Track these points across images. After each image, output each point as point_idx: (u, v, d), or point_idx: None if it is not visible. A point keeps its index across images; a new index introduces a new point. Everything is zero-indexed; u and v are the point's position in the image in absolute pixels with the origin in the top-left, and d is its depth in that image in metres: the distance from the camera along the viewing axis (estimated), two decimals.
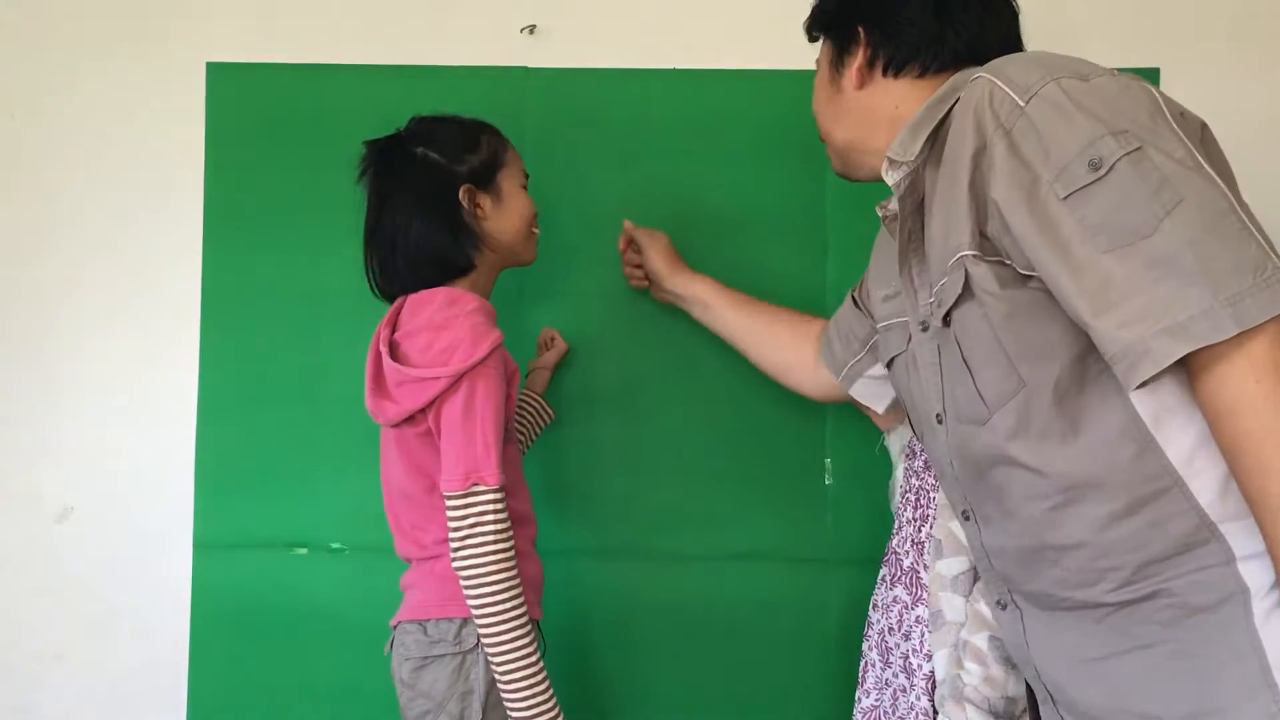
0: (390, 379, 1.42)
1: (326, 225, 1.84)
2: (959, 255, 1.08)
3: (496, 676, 1.36)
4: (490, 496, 1.34)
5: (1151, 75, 1.82)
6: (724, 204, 1.84)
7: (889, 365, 1.37)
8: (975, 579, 1.37)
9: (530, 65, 1.87)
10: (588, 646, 1.80)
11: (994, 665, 1.31)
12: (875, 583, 1.61)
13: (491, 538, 1.33)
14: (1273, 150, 1.84)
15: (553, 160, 1.85)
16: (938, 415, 1.20)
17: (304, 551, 1.82)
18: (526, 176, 1.60)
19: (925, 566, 1.44)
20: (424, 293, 1.48)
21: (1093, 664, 1.08)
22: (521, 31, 1.87)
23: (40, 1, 1.88)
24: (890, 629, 1.50)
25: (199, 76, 1.87)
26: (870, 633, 1.56)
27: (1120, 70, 1.12)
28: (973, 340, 1.10)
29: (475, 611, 1.35)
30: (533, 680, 1.35)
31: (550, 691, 1.37)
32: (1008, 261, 1.05)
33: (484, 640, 1.36)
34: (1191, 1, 1.85)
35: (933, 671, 1.40)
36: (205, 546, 1.83)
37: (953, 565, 1.39)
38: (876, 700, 1.52)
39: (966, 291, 1.08)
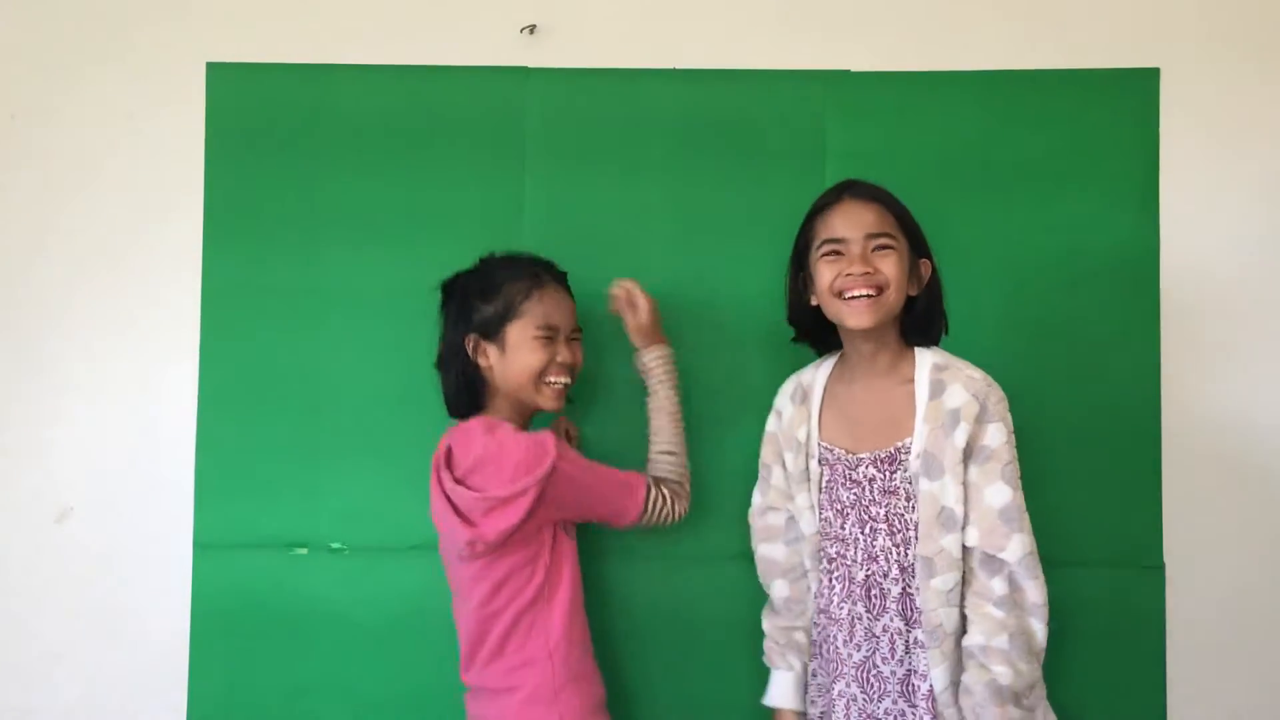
0: (476, 509, 1.50)
1: (326, 225, 1.85)
2: None
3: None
4: (652, 494, 1.62)
5: (1151, 75, 1.82)
6: (724, 204, 1.84)
7: None
8: (963, 591, 1.42)
9: (530, 65, 1.87)
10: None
11: (1020, 662, 1.38)
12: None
13: (668, 508, 1.64)
14: (1273, 149, 1.84)
15: (553, 160, 1.86)
16: None
17: (304, 551, 1.82)
18: (557, 327, 1.60)
19: (917, 590, 1.44)
20: (461, 428, 1.58)
21: None
22: (521, 31, 1.87)
23: (41, 3, 1.89)
24: (883, 658, 1.47)
25: (199, 76, 1.87)
26: (843, 670, 1.49)
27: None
28: None
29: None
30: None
31: None
32: None
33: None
34: (1191, 1, 1.85)
35: (932, 687, 1.41)
36: (205, 546, 1.83)
37: (947, 580, 1.41)
38: None
39: None
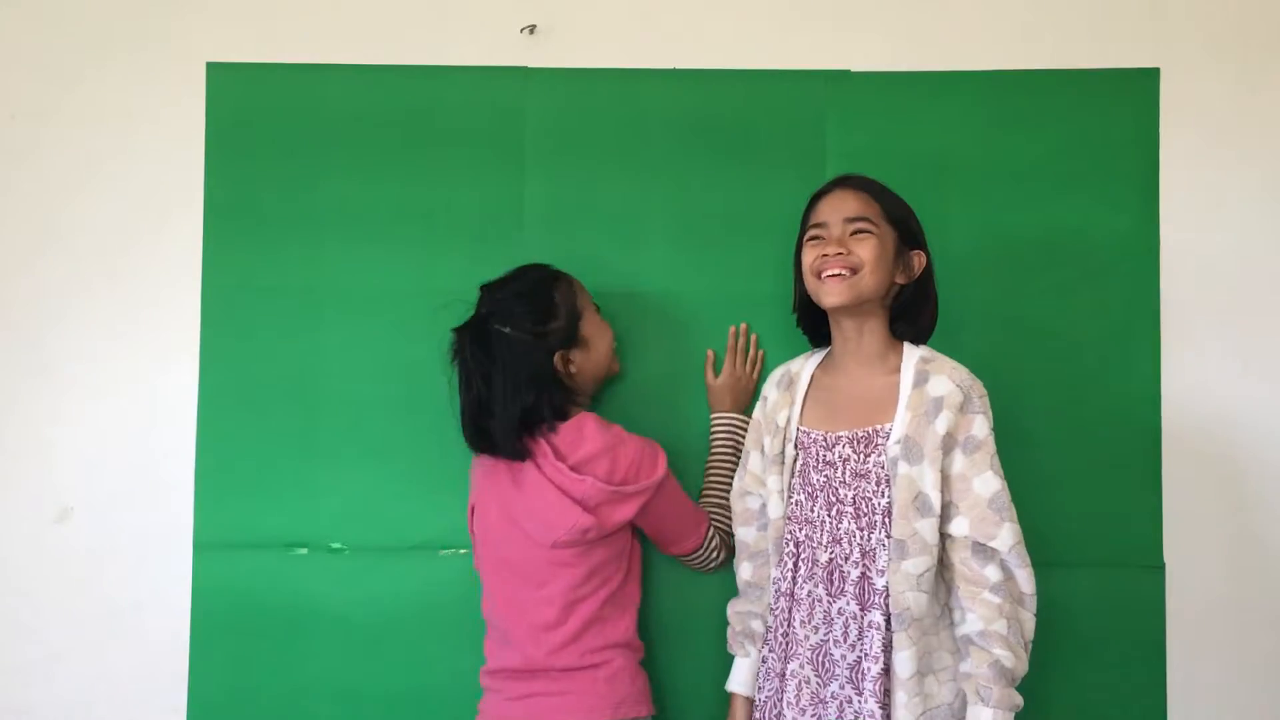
0: (597, 498, 1.56)
1: (326, 225, 1.85)
2: None
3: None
4: (709, 534, 1.70)
5: (1151, 75, 1.82)
6: (724, 204, 1.84)
7: None
8: (937, 574, 1.44)
9: (530, 65, 1.87)
10: None
11: (1019, 648, 1.41)
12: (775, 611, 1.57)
13: (716, 554, 1.72)
14: (1273, 149, 1.84)
15: (552, 160, 1.86)
16: None
17: (304, 551, 1.82)
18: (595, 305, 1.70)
19: (880, 572, 1.44)
20: (569, 424, 1.59)
21: None
22: (521, 31, 1.87)
23: (41, 3, 1.89)
24: (835, 641, 1.47)
25: (199, 76, 1.87)
26: (799, 651, 1.50)
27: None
28: None
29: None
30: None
31: None
32: None
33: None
34: (1191, 1, 1.85)
35: (884, 671, 1.42)
36: (205, 546, 1.83)
37: (919, 564, 1.42)
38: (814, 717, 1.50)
39: None
